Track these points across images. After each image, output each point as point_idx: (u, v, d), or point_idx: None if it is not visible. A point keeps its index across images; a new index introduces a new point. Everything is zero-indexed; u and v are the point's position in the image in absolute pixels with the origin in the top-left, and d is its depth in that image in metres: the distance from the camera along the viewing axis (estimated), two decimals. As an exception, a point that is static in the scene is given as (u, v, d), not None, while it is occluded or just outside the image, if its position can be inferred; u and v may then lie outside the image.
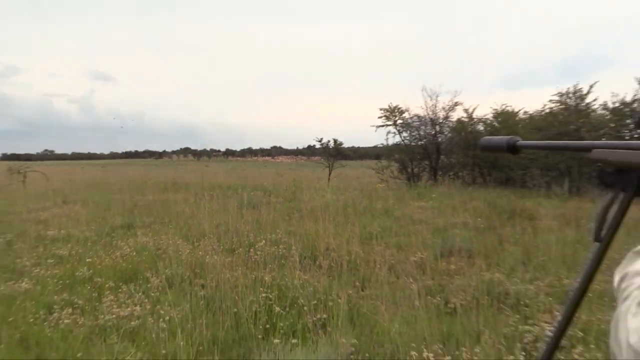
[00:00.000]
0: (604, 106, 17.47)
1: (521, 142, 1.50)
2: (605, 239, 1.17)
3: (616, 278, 0.84)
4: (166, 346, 3.82)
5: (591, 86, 17.56)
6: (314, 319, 4.44)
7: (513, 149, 1.51)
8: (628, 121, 16.62)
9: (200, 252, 6.90)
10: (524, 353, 3.60)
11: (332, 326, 4.27)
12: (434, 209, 12.14)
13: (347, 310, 4.60)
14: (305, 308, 4.68)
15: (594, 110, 17.50)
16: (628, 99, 16.95)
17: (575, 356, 3.53)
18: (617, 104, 17.08)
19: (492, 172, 20.52)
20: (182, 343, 3.74)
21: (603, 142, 1.21)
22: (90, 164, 72.11)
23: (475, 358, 3.53)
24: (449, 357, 3.53)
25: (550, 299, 5.09)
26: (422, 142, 22.08)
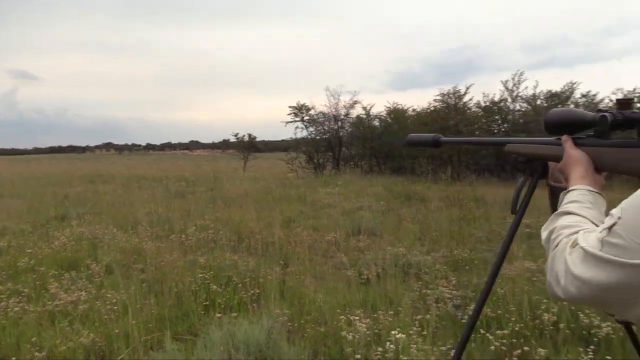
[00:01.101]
0: (478, 105, 18.63)
1: (443, 138, 1.66)
2: (520, 212, 1.37)
3: (544, 234, 1.01)
4: (118, 326, 3.74)
5: (467, 88, 18.71)
6: (249, 294, 4.49)
7: (437, 143, 1.66)
8: (497, 117, 17.85)
9: (136, 239, 6.71)
10: (430, 311, 3.85)
11: (266, 299, 4.34)
12: (340, 194, 12.39)
13: (277, 285, 4.68)
14: (239, 285, 4.71)
15: (469, 108, 18.60)
16: (496, 98, 18.22)
17: (470, 312, 3.81)
18: (487, 103, 18.27)
19: (387, 161, 21.24)
20: (133, 322, 3.67)
21: (515, 138, 1.40)
22: (14, 159, 66.69)
23: (390, 319, 3.73)
24: (368, 320, 3.70)
25: (445, 267, 5.42)
26: (327, 136, 22.54)
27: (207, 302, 4.41)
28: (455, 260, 5.76)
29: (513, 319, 3.66)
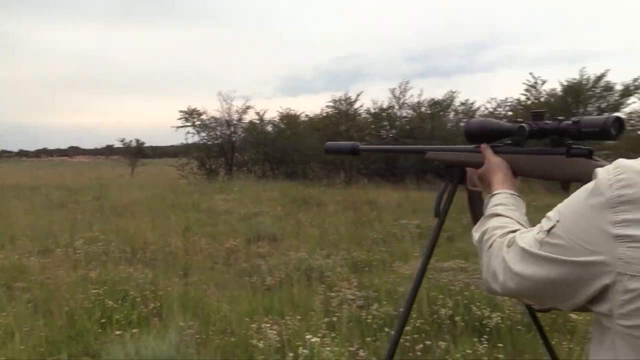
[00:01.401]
0: (367, 111, 19.39)
1: (362, 146, 1.72)
2: (442, 214, 1.46)
3: (476, 235, 1.09)
4: (4, 352, 3.40)
5: (358, 95, 19.41)
6: (149, 308, 4.29)
7: (355, 152, 1.72)
8: (385, 123, 18.70)
9: (16, 255, 6.15)
10: (339, 313, 3.94)
11: (168, 312, 4.18)
12: (236, 200, 12.27)
13: (178, 297, 4.53)
14: (137, 299, 4.49)
15: (360, 115, 19.30)
16: (384, 105, 19.08)
17: (373, 312, 3.96)
18: (376, 110, 19.06)
19: (280, 166, 21.37)
20: (21, 347, 3.36)
21: (435, 146, 1.49)
22: None
23: (298, 324, 3.76)
24: (277, 326, 3.70)
25: (346, 269, 5.58)
26: (219, 141, 22.23)
27: (104, 320, 4.15)
28: (355, 262, 5.93)
29: (414, 315, 3.84)
